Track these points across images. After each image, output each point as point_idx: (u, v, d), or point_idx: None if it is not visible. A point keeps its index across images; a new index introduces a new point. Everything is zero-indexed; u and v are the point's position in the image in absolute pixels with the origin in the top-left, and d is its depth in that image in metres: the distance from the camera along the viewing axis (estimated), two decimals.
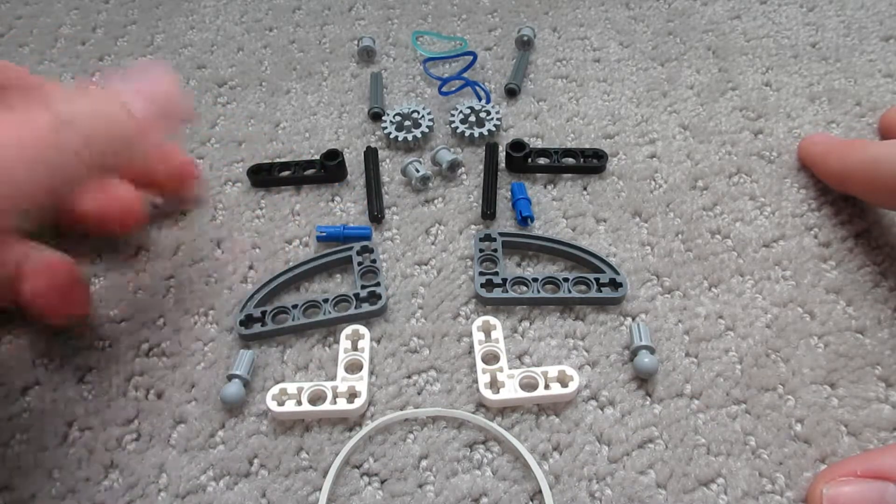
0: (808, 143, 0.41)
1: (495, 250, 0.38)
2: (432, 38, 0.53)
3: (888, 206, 0.36)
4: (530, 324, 0.36)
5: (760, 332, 0.35)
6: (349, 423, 0.32)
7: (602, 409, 0.32)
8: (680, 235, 0.39)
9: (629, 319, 0.36)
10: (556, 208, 0.41)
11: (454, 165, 0.42)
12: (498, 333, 0.34)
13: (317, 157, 0.44)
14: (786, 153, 0.43)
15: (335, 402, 0.32)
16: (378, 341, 0.35)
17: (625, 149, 0.44)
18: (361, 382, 0.33)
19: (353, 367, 0.34)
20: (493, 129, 0.44)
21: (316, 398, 0.32)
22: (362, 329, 0.35)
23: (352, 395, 0.32)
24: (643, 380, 0.33)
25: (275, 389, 0.32)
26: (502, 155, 0.43)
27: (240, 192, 0.43)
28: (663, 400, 0.32)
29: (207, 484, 0.31)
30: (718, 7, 0.54)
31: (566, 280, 0.36)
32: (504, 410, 0.32)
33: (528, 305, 0.36)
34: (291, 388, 0.32)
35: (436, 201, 0.42)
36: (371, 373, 0.34)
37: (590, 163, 0.42)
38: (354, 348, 0.34)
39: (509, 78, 0.48)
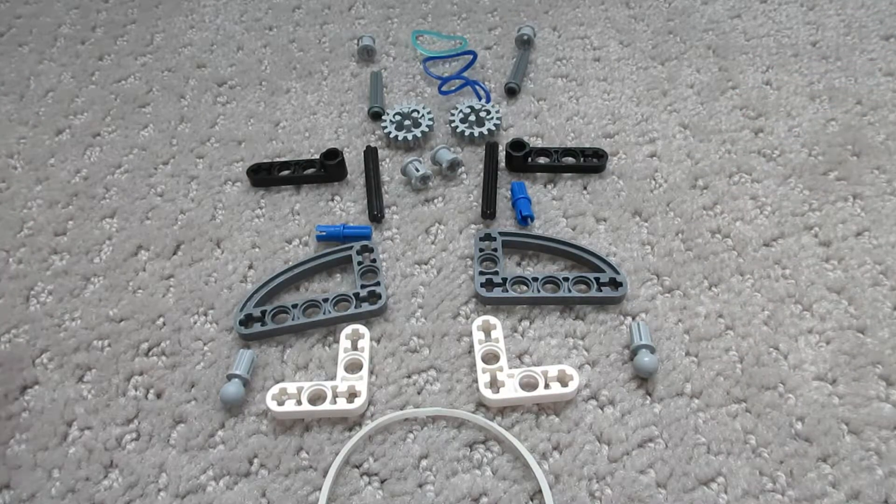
0: None
1: (495, 250, 0.38)
2: (432, 38, 0.53)
3: None
4: (530, 323, 0.36)
5: (760, 330, 0.35)
6: (349, 422, 0.32)
7: (602, 409, 0.32)
8: (680, 235, 0.39)
9: (629, 319, 0.35)
10: (556, 208, 0.41)
11: (454, 165, 0.42)
12: (498, 333, 0.34)
13: (317, 156, 0.44)
14: (787, 152, 0.43)
15: (335, 402, 0.32)
16: (378, 341, 0.35)
17: (625, 148, 0.44)
18: (361, 382, 0.33)
19: (353, 367, 0.33)
20: (493, 128, 0.44)
21: (316, 398, 0.32)
22: (362, 329, 0.35)
23: (352, 395, 0.32)
24: (643, 379, 0.33)
25: (275, 389, 0.32)
26: (502, 154, 0.43)
27: (240, 191, 0.43)
28: (663, 399, 0.32)
29: (207, 484, 0.31)
30: (719, 6, 0.54)
31: (566, 279, 0.36)
32: (504, 410, 0.32)
33: (528, 305, 0.36)
34: (291, 387, 0.32)
35: (436, 201, 0.42)
36: (371, 372, 0.34)
37: (590, 162, 0.42)
38: (354, 348, 0.34)
39: (509, 77, 0.48)
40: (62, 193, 0.43)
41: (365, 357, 0.34)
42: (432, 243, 0.39)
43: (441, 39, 0.52)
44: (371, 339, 0.35)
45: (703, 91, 0.47)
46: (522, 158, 0.42)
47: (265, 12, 0.56)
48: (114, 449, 0.32)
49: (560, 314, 0.36)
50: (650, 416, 0.32)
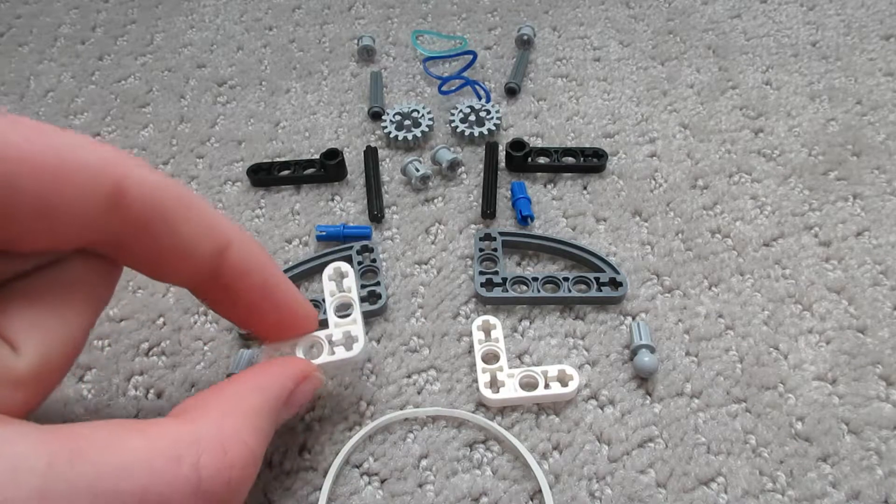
0: None
1: (495, 249, 0.38)
2: (432, 37, 0.53)
3: None
4: (530, 323, 0.36)
5: (760, 330, 0.35)
6: (349, 422, 0.32)
7: (602, 409, 0.32)
8: (680, 235, 0.39)
9: (629, 318, 0.35)
10: (556, 207, 0.41)
11: (454, 165, 0.42)
12: (498, 333, 0.34)
13: (316, 156, 0.44)
14: (787, 151, 0.43)
15: (333, 353, 0.30)
16: (378, 341, 0.35)
17: (625, 148, 0.44)
18: (356, 326, 0.30)
19: (343, 308, 0.31)
20: (493, 128, 0.44)
21: (312, 352, 0.30)
22: (344, 266, 0.32)
23: (349, 341, 0.30)
24: (643, 379, 0.33)
25: (268, 349, 0.30)
26: (502, 154, 0.43)
27: (239, 191, 0.43)
28: (663, 399, 0.32)
29: None
30: (719, 6, 0.54)
31: (566, 279, 0.36)
32: (504, 410, 0.32)
33: (528, 305, 0.36)
34: (285, 347, 0.30)
35: (436, 200, 0.42)
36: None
37: (590, 162, 0.42)
38: (339, 289, 0.32)
39: (509, 77, 0.48)
40: None
41: (353, 297, 0.31)
42: (432, 243, 0.39)
43: (441, 39, 0.52)
44: (357, 281, 0.33)
45: (703, 91, 0.47)
46: (522, 158, 0.42)
47: (265, 12, 0.56)
48: None
49: (560, 314, 0.36)
50: (650, 416, 0.32)
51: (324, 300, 0.32)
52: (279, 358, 0.29)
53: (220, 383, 0.25)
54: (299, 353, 0.30)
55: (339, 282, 0.32)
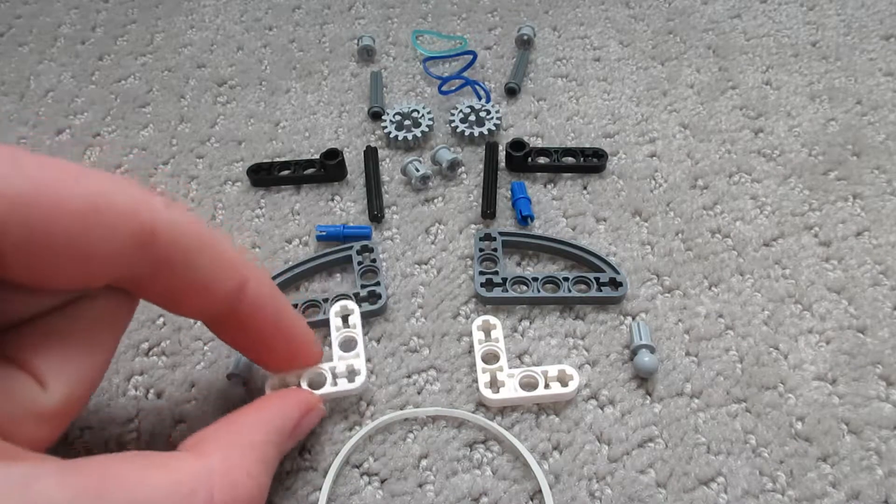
0: None
1: (495, 249, 0.38)
2: (432, 37, 0.53)
3: None
4: (530, 323, 0.36)
5: (760, 330, 0.35)
6: (349, 422, 0.32)
7: (602, 409, 0.32)
8: (680, 235, 0.39)
9: (629, 318, 0.35)
10: (556, 207, 0.41)
11: (454, 165, 0.42)
12: (498, 333, 0.34)
13: (316, 156, 0.44)
14: (787, 151, 0.43)
15: (336, 384, 0.31)
16: (378, 341, 0.35)
17: (625, 148, 0.44)
18: (359, 360, 0.32)
19: (348, 344, 0.32)
20: (493, 128, 0.44)
21: (316, 382, 0.31)
22: (351, 304, 0.34)
23: (351, 374, 0.31)
24: (643, 379, 0.33)
25: (273, 380, 0.31)
26: (502, 154, 0.43)
27: (239, 191, 0.43)
28: (663, 399, 0.32)
29: None
30: (719, 6, 0.54)
31: (566, 279, 0.36)
32: (504, 410, 0.32)
33: (528, 305, 0.36)
34: (291, 378, 0.31)
35: (436, 200, 0.42)
36: (367, 354, 0.33)
37: (590, 162, 0.42)
38: (345, 324, 0.33)
39: (509, 77, 0.48)
40: None
41: (358, 333, 0.33)
42: (432, 243, 0.39)
43: (441, 39, 0.52)
44: (361, 317, 0.34)
45: (703, 91, 0.47)
46: (522, 158, 0.42)
47: (265, 12, 0.56)
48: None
49: (560, 314, 0.36)
50: (650, 416, 0.32)
51: (324, 300, 0.33)
52: (284, 390, 0.30)
53: (228, 416, 0.26)
54: (304, 384, 0.31)
55: (346, 317, 0.33)
